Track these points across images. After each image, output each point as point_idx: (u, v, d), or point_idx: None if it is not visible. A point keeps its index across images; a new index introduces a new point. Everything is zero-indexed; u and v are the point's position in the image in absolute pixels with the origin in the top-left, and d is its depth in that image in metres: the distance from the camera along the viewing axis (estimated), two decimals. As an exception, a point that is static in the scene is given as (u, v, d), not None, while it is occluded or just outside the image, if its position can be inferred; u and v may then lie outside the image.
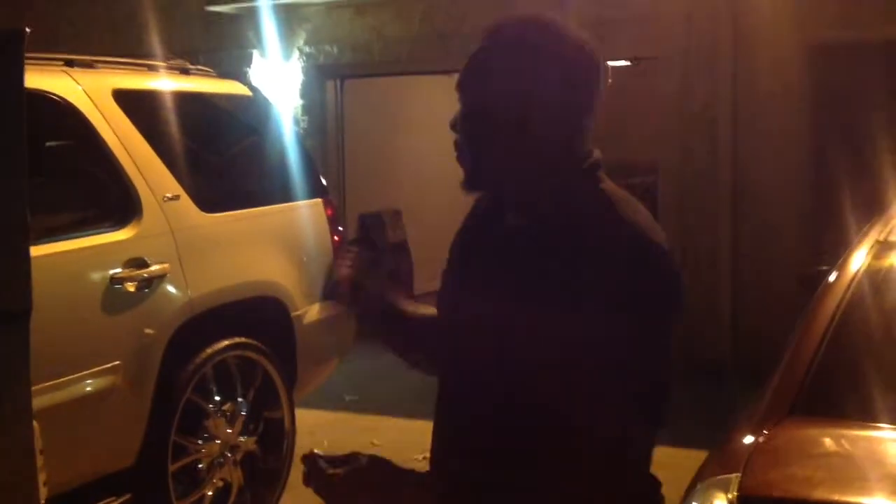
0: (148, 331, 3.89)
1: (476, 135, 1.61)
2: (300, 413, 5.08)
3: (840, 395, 2.59)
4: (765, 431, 2.43)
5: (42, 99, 3.74)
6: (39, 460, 2.51)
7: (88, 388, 3.63)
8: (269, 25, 8.43)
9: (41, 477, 2.54)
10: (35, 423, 2.51)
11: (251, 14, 8.52)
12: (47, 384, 3.41)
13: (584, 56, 1.62)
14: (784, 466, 2.29)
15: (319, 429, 5.82)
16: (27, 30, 2.39)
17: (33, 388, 3.24)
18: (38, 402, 3.25)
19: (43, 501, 2.61)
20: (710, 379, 6.66)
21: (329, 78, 8.75)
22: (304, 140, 8.40)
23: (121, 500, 3.79)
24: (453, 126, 1.64)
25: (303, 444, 5.27)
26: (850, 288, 2.80)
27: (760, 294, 7.03)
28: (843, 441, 2.41)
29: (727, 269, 7.25)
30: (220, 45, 8.79)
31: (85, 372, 3.62)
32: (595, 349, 1.47)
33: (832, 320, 2.69)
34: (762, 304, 6.90)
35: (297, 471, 4.71)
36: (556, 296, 1.50)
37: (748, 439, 2.41)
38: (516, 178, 1.61)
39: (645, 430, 1.56)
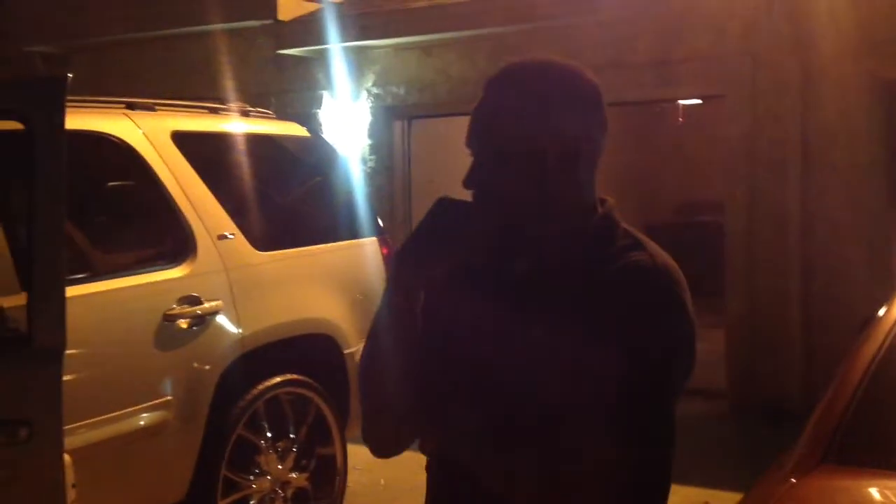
0: (200, 367, 3.97)
1: (489, 184, 1.60)
2: (355, 450, 5.10)
3: (876, 444, 2.50)
4: (793, 479, 2.36)
5: (103, 141, 3.89)
6: (73, 494, 2.57)
7: (141, 423, 3.71)
8: (338, 67, 8.60)
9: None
10: (67, 457, 2.57)
11: (321, 56, 8.70)
12: (101, 418, 3.51)
13: (588, 93, 1.62)
14: (809, 516, 2.22)
15: (376, 466, 5.83)
16: (69, 76, 2.50)
17: (88, 422, 3.36)
18: (90, 436, 3.38)
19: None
20: (778, 421, 6.50)
21: (396, 118, 8.87)
22: (371, 179, 8.55)
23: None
24: (465, 183, 1.63)
25: (359, 481, 5.32)
26: (892, 332, 2.71)
27: (831, 335, 6.84)
28: (872, 492, 2.32)
29: (797, 310, 7.09)
30: (292, 86, 8.99)
31: (138, 406, 3.71)
32: (607, 389, 1.47)
33: (871, 365, 2.61)
34: (833, 346, 6.71)
35: (350, 508, 4.78)
36: (570, 340, 1.50)
37: (776, 487, 2.35)
38: (528, 222, 1.60)
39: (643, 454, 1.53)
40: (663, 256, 1.58)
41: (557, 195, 1.59)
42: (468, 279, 1.69)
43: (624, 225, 1.63)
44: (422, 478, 4.75)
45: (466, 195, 1.66)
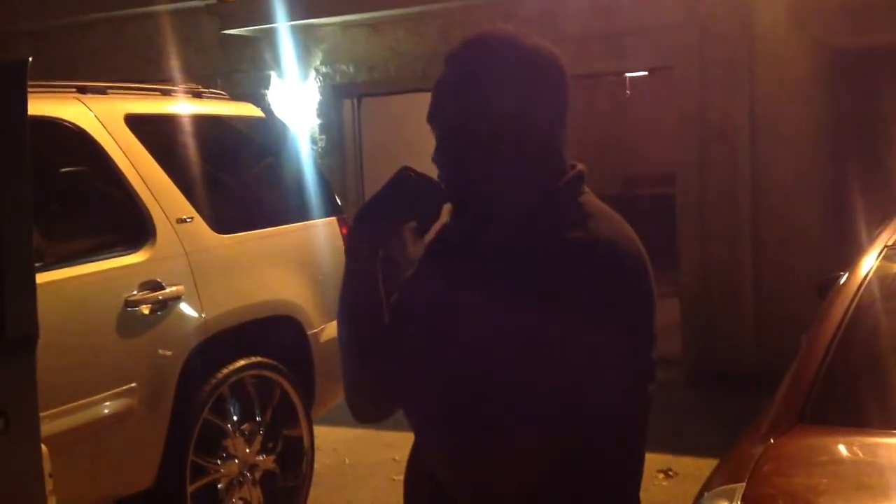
0: (164, 352, 3.92)
1: (452, 159, 1.62)
2: (321, 430, 5.10)
3: (849, 403, 2.56)
4: (772, 440, 2.40)
5: (56, 126, 3.80)
6: (49, 483, 2.54)
7: (106, 411, 3.66)
8: (285, 46, 8.51)
9: (51, 501, 2.57)
10: (44, 447, 2.53)
11: (268, 36, 8.60)
12: (64, 407, 3.45)
13: (547, 66, 1.62)
14: (789, 475, 2.27)
15: (341, 445, 5.84)
16: (29, 59, 2.43)
17: (52, 411, 3.30)
18: (55, 426, 3.32)
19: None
20: (733, 387, 6.63)
21: (346, 97, 8.81)
22: (322, 159, 8.49)
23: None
24: (433, 159, 1.64)
25: (323, 462, 5.32)
26: (859, 293, 2.77)
27: (783, 302, 6.98)
28: (850, 449, 2.38)
29: (749, 277, 7.21)
30: (238, 67, 8.88)
31: (102, 395, 3.65)
32: (574, 355, 1.48)
33: (840, 326, 2.66)
34: (785, 312, 6.84)
35: (315, 490, 4.77)
36: (537, 308, 1.50)
37: (755, 448, 2.39)
38: (494, 195, 1.61)
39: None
40: (614, 230, 1.57)
41: (519, 170, 1.59)
42: (429, 253, 1.71)
43: (584, 197, 1.62)
44: (385, 455, 4.76)
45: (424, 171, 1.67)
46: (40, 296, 2.54)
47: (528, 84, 1.59)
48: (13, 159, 2.43)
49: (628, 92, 10.87)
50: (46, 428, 3.16)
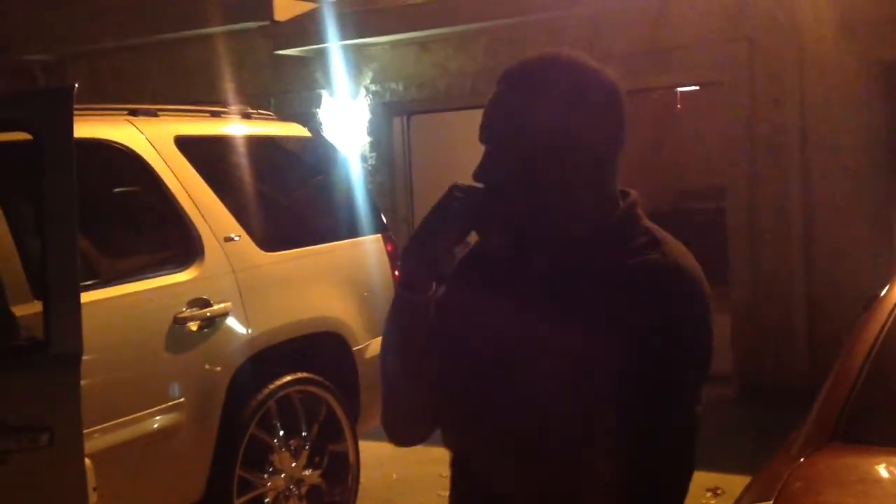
0: (211, 368, 4.01)
1: (505, 180, 1.59)
2: (368, 446, 5.14)
3: (883, 421, 2.53)
4: (801, 459, 2.39)
5: (107, 148, 3.92)
6: (94, 497, 2.62)
7: (155, 426, 3.75)
8: (336, 66, 8.63)
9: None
10: (88, 462, 2.61)
11: (319, 56, 8.73)
12: (115, 422, 3.55)
13: (605, 89, 1.60)
14: (817, 494, 2.25)
15: (387, 460, 5.87)
16: (76, 86, 2.53)
17: (103, 426, 3.40)
18: (106, 440, 3.42)
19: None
20: (784, 404, 6.53)
21: (395, 115, 8.90)
22: (372, 177, 8.59)
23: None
24: (475, 176, 1.62)
25: (370, 476, 5.36)
26: (895, 311, 2.74)
27: (834, 317, 6.87)
28: (883, 468, 2.35)
29: (801, 292, 7.12)
30: (290, 87, 9.02)
31: (151, 410, 3.74)
32: (645, 381, 1.49)
33: (875, 344, 2.63)
34: (836, 327, 6.74)
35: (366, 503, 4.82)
36: (607, 333, 1.50)
37: (785, 467, 2.38)
38: (546, 221, 1.59)
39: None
40: (679, 255, 1.56)
41: (572, 195, 1.57)
42: (483, 275, 1.68)
43: (645, 221, 1.61)
44: (432, 470, 4.76)
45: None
46: (93, 312, 2.64)
47: (585, 107, 1.57)
48: (59, 182, 2.53)
49: (678, 106, 10.82)
50: (97, 442, 3.27)
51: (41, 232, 2.59)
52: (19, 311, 3.20)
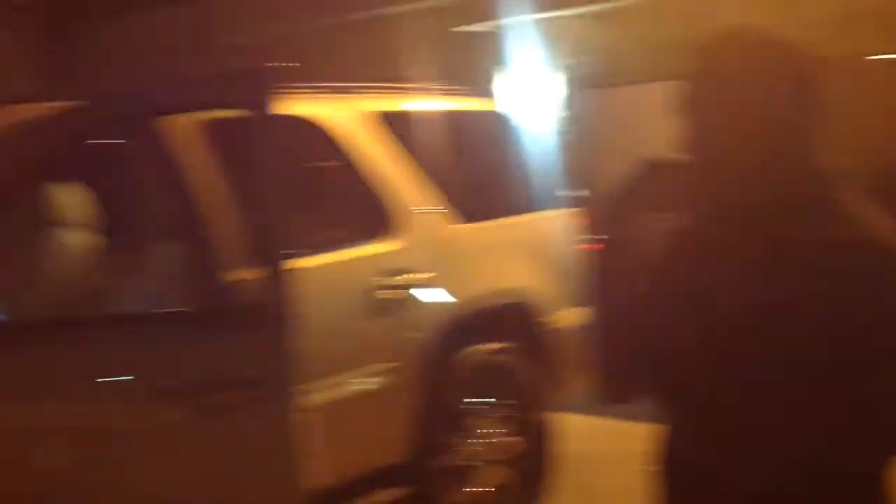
0: (411, 335, 4.14)
1: (709, 153, 1.59)
2: (563, 417, 5.16)
3: None
4: None
5: (308, 124, 4.11)
6: (310, 448, 2.78)
7: (360, 388, 3.92)
8: (522, 41, 8.65)
9: (312, 465, 2.80)
10: (305, 416, 2.78)
11: (509, 30, 8.78)
12: (321, 383, 3.71)
13: (808, 61, 1.60)
14: None
15: (583, 433, 5.86)
16: (278, 65, 2.70)
17: (309, 387, 3.58)
18: (315, 399, 3.58)
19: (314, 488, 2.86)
20: None
21: (587, 88, 8.84)
22: (561, 151, 8.55)
23: (398, 493, 4.03)
24: (678, 149, 1.62)
25: (566, 448, 5.38)
26: None
27: None
28: None
29: None
30: (480, 62, 9.11)
31: (355, 372, 3.92)
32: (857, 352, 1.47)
33: None
34: None
35: (559, 475, 4.84)
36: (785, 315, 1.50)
37: None
38: (753, 193, 1.58)
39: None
40: (881, 229, 1.53)
41: (779, 167, 1.56)
42: (685, 250, 1.68)
43: (847, 194, 1.58)
44: (630, 446, 4.71)
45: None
46: (300, 280, 2.79)
47: (788, 78, 1.56)
48: (267, 157, 2.70)
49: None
50: (306, 401, 3.44)
51: (255, 204, 2.76)
52: (236, 276, 3.40)
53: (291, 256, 2.77)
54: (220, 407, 2.73)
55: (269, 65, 2.73)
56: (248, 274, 3.11)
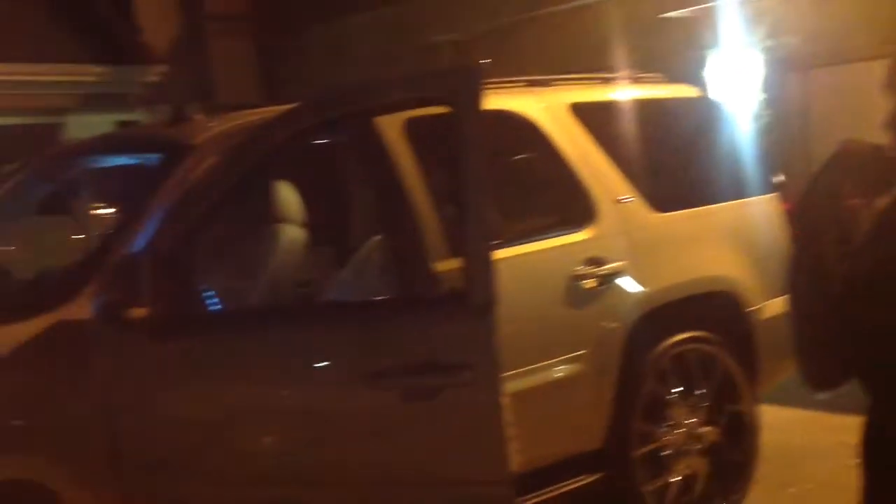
0: (608, 324, 4.18)
1: None
2: (768, 409, 5.06)
3: None
4: None
5: (509, 117, 4.23)
6: (510, 431, 2.90)
7: (557, 375, 4.01)
8: (726, 24, 8.46)
9: (513, 447, 2.93)
10: (505, 401, 2.90)
11: (706, 15, 8.61)
12: (521, 370, 3.83)
13: None
14: None
15: (787, 425, 5.73)
16: (485, 63, 2.83)
17: (509, 374, 3.71)
18: (513, 387, 3.70)
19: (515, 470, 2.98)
20: None
21: (790, 70, 8.55)
22: (765, 135, 8.32)
23: (592, 479, 4.11)
24: (886, 126, 1.62)
25: (769, 440, 5.28)
26: None
27: None
28: None
29: None
30: (676, 48, 8.98)
31: (553, 360, 4.00)
32: None
33: None
34: None
35: (763, 466, 4.76)
36: None
37: None
38: None
39: None
40: None
41: None
42: (887, 227, 1.67)
43: None
44: (836, 438, 4.58)
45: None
46: (500, 269, 2.92)
47: None
48: (473, 151, 2.84)
49: None
50: (507, 387, 3.57)
51: (457, 196, 2.91)
52: (440, 266, 3.57)
53: (496, 246, 2.90)
54: (428, 391, 2.90)
55: (478, 62, 2.87)
56: (454, 264, 3.27)
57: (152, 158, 3.81)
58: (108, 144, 4.71)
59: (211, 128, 3.67)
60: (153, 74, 16.49)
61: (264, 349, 3.11)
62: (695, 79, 6.42)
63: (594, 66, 6.06)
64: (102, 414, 3.02)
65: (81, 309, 3.11)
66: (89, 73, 17.32)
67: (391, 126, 3.69)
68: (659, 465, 4.38)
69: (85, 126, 17.01)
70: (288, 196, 4.08)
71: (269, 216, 4.05)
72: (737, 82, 8.51)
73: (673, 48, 8.94)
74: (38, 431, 2.97)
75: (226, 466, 3.11)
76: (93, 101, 17.41)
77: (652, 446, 4.35)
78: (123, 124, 16.47)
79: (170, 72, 15.71)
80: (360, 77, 10.67)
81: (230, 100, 10.83)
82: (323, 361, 3.11)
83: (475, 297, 2.80)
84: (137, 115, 16.80)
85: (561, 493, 4.02)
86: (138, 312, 3.01)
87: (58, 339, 3.07)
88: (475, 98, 2.81)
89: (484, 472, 2.89)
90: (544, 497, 3.85)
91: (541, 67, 5.12)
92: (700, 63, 8.77)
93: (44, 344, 3.05)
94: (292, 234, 4.07)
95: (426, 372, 2.88)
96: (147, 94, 16.42)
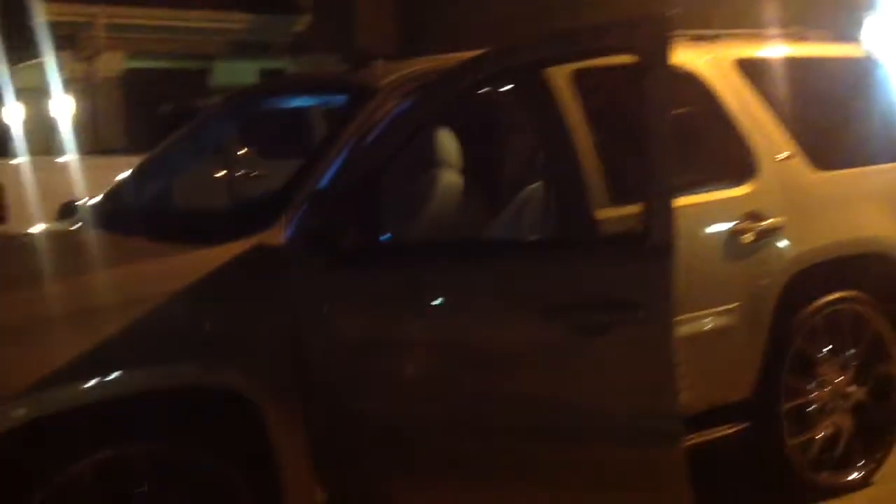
0: (762, 279, 4.24)
1: None
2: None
3: None
4: None
5: (675, 71, 4.27)
6: (679, 371, 3.04)
7: (710, 326, 4.10)
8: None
9: (680, 386, 3.07)
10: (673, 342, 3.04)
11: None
12: (680, 318, 3.93)
13: None
14: None
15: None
16: (676, 12, 2.94)
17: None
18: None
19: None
20: None
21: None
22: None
23: (738, 428, 4.21)
24: None
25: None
26: None
27: None
28: None
29: None
30: (834, 11, 8.75)
31: (707, 311, 4.10)
32: None
33: None
34: None
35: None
36: None
37: None
38: None
39: None
40: None
41: None
42: None
43: None
44: None
45: None
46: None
47: None
48: (658, 101, 2.97)
49: None
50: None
51: (642, 144, 3.04)
52: (601, 214, 3.71)
53: (671, 194, 3.02)
54: (600, 326, 3.06)
55: (668, 14, 2.99)
56: (614, 212, 3.41)
57: (339, 100, 4.04)
58: (297, 86, 4.98)
59: (393, 73, 3.87)
60: (298, 24, 16.93)
61: (447, 281, 3.32)
62: (866, 39, 6.25)
63: (760, 21, 6.01)
64: (292, 333, 3.27)
65: (277, 235, 3.37)
66: (236, 21, 17.89)
67: (559, 76, 3.81)
68: (805, 420, 4.45)
69: (231, 72, 17.63)
70: (448, 141, 4.26)
71: (431, 160, 4.24)
72: None
73: (832, 8, 8.70)
74: (235, 345, 3.23)
75: (402, 392, 3.34)
76: (239, 48, 18.00)
77: (799, 401, 4.42)
78: (269, 72, 17.00)
79: (314, 21, 16.11)
80: (501, 27, 10.73)
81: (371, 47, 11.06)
82: (501, 295, 3.28)
83: (655, 238, 2.94)
84: (282, 64, 17.30)
85: (709, 440, 4.14)
86: (329, 241, 3.27)
87: (255, 261, 3.33)
88: (664, 48, 2.93)
89: (654, 406, 3.03)
90: (693, 442, 3.96)
91: (711, 24, 5.13)
92: (859, 23, 8.53)
93: (242, 265, 3.31)
94: (450, 179, 4.25)
95: (602, 308, 3.04)
96: (292, 42, 16.87)
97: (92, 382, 2.97)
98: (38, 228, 5.12)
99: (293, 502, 3.28)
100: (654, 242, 2.95)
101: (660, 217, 2.94)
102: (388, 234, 3.73)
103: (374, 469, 3.36)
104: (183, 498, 3.14)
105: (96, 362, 2.99)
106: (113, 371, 3.02)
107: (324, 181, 3.46)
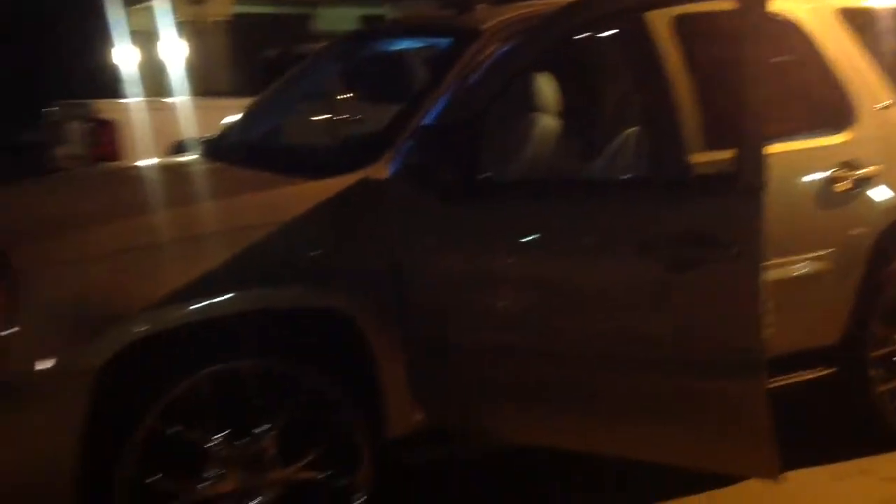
0: (856, 227, 4.28)
1: None
2: None
3: None
4: None
5: (774, 17, 4.29)
6: (768, 309, 3.13)
7: (802, 271, 4.16)
8: None
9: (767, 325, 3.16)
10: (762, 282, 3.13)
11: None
12: (770, 262, 4.00)
13: None
14: None
15: None
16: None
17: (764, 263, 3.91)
18: (767, 275, 3.90)
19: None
20: None
21: None
22: None
23: (826, 372, 4.29)
24: None
25: None
26: None
27: None
28: None
29: None
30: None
31: (801, 256, 4.16)
32: None
33: None
34: None
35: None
36: None
37: None
38: None
39: None
40: None
41: None
42: None
43: None
44: None
45: None
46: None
47: None
48: (755, 46, 3.05)
49: None
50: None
51: (736, 90, 3.11)
52: (695, 158, 3.78)
53: (763, 139, 3.09)
54: (690, 262, 3.17)
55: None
56: (718, 155, 3.49)
57: (444, 42, 4.18)
58: (403, 29, 5.14)
59: (496, 17, 3.99)
60: (399, -29, 16.98)
61: (545, 217, 3.46)
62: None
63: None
64: (392, 261, 3.46)
65: (382, 170, 3.56)
66: (338, -32, 18.05)
67: (660, 20, 3.88)
68: (893, 368, 4.49)
69: (333, 19, 17.91)
70: (546, 85, 4.35)
71: (530, 103, 4.34)
72: None
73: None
74: (340, 270, 3.44)
75: (496, 322, 3.51)
76: (341, -5, 18.19)
77: (888, 349, 4.45)
78: (369, 18, 17.19)
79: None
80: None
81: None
82: (599, 232, 3.41)
83: (746, 178, 3.03)
84: (383, 10, 17.45)
85: (795, 383, 4.22)
86: (431, 176, 3.44)
87: (361, 194, 3.52)
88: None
89: (739, 338, 3.13)
90: (780, 383, 4.05)
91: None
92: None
93: (348, 198, 3.52)
94: (547, 122, 4.36)
95: (693, 245, 3.15)
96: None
97: (207, 302, 3.23)
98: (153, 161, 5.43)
99: (394, 420, 3.51)
100: (744, 183, 3.03)
101: (751, 160, 3.02)
102: (488, 174, 3.87)
103: (468, 394, 3.55)
104: (293, 412, 3.38)
105: (211, 283, 3.25)
106: (227, 292, 3.27)
107: (428, 119, 3.62)
